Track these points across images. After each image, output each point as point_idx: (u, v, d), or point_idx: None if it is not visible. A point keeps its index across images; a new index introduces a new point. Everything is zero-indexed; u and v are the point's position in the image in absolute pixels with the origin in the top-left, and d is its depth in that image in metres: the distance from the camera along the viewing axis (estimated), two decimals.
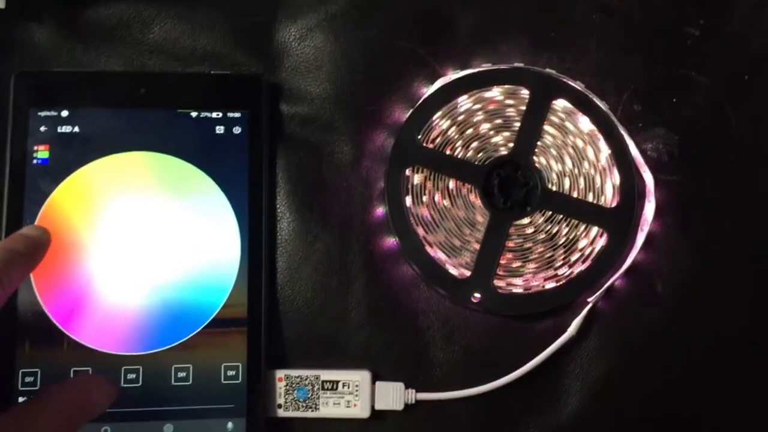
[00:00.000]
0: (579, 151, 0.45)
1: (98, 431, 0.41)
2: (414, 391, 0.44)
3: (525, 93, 0.46)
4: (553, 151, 0.45)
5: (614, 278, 0.45)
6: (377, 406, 0.44)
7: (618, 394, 0.45)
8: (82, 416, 0.33)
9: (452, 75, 0.46)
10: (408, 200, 0.45)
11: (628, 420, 0.45)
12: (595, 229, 0.45)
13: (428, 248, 0.44)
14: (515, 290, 0.44)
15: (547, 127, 0.45)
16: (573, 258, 0.45)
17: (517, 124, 0.45)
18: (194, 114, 0.44)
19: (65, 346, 0.41)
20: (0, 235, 0.42)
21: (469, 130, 0.46)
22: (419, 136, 0.45)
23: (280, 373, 0.44)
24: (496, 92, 0.46)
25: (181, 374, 0.42)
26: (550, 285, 0.44)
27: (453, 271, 0.44)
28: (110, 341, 0.42)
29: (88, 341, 0.42)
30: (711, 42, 0.48)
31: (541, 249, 0.45)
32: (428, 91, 0.46)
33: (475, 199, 0.45)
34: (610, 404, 0.45)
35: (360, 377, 0.44)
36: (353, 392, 0.44)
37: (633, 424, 0.45)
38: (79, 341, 0.42)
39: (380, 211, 0.46)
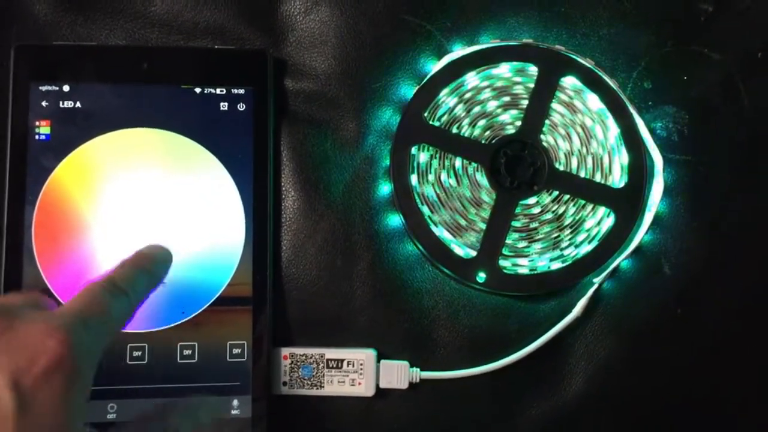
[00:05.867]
0: (587, 129, 0.45)
1: (104, 408, 0.41)
2: (418, 370, 0.44)
3: (533, 70, 0.45)
4: (561, 130, 0.45)
5: (621, 259, 0.44)
6: (381, 385, 0.44)
7: (622, 374, 0.45)
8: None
9: (460, 51, 0.45)
10: (413, 179, 0.44)
11: (632, 400, 0.45)
12: (602, 210, 0.44)
13: (433, 227, 0.44)
14: (521, 270, 0.44)
15: (555, 105, 0.45)
16: (579, 238, 0.44)
17: (525, 102, 0.45)
18: (198, 90, 0.44)
19: None
20: (2, 212, 0.42)
21: (477, 108, 0.45)
22: (425, 114, 0.45)
23: (285, 351, 0.44)
24: (504, 69, 0.45)
25: (187, 352, 0.42)
26: (555, 265, 0.44)
27: (458, 250, 0.44)
28: None
29: None
30: (724, 18, 0.47)
31: (548, 229, 0.44)
32: (435, 67, 0.45)
33: (481, 178, 0.45)
34: (614, 385, 0.45)
35: (365, 356, 0.44)
36: (358, 370, 0.44)
37: (637, 405, 0.45)
38: None
39: (385, 189, 0.45)
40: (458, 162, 0.45)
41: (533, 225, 0.44)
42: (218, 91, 0.44)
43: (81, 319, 0.31)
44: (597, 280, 0.45)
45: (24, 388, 0.27)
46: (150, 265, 0.37)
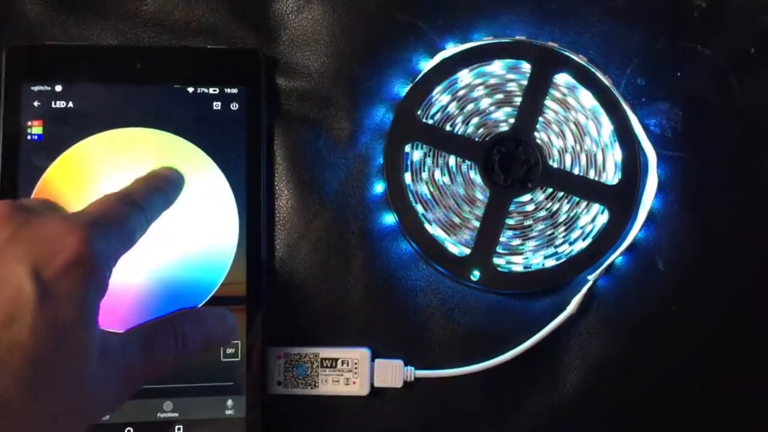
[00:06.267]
0: (581, 126, 0.45)
1: None
2: (413, 368, 0.44)
3: (526, 67, 0.45)
4: (555, 127, 0.45)
5: (615, 256, 0.44)
6: (376, 384, 0.44)
7: (617, 371, 0.45)
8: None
9: (452, 49, 0.45)
10: (407, 177, 0.44)
11: (627, 397, 0.45)
12: (596, 207, 0.44)
13: (427, 226, 0.44)
14: (515, 268, 0.44)
15: (548, 102, 0.45)
16: (573, 236, 0.44)
17: (518, 100, 0.45)
18: (191, 90, 0.44)
19: None
20: None
21: (470, 106, 0.45)
22: (419, 112, 0.45)
23: (279, 351, 0.44)
24: (497, 66, 0.45)
25: None
26: (550, 263, 0.44)
27: (452, 248, 0.44)
28: (109, 319, 0.41)
29: None
30: (717, 14, 0.46)
31: (542, 226, 0.44)
32: (428, 65, 0.45)
33: (475, 176, 0.44)
34: (609, 381, 0.45)
35: (359, 355, 0.44)
36: (352, 370, 0.44)
37: (632, 402, 0.45)
38: None
39: (379, 188, 0.45)
40: (452, 160, 0.45)
41: (527, 223, 0.44)
42: (211, 90, 0.44)
43: (99, 223, 0.31)
44: (591, 278, 0.44)
45: (44, 279, 0.28)
46: (165, 186, 0.37)
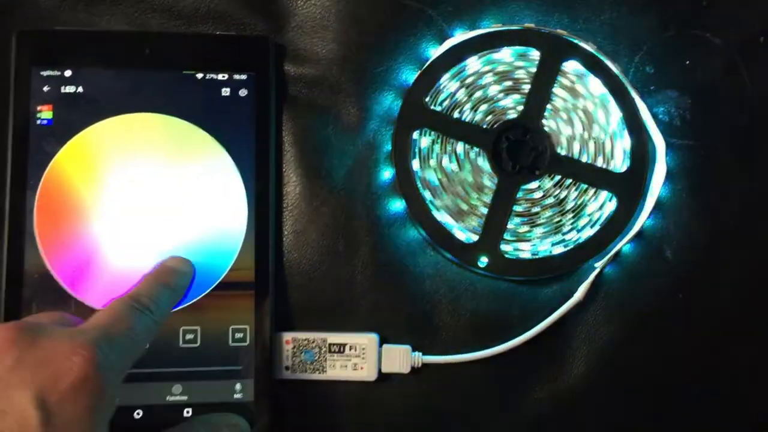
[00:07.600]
0: (589, 114, 0.45)
1: None
2: (420, 354, 0.44)
3: (535, 54, 0.45)
4: (563, 115, 0.45)
5: (622, 243, 0.44)
6: (384, 369, 0.44)
7: (624, 359, 0.45)
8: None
9: (461, 36, 0.45)
10: (415, 164, 0.44)
11: (633, 385, 0.45)
12: (604, 194, 0.44)
13: (435, 212, 0.44)
14: (522, 255, 0.44)
15: (557, 90, 0.45)
16: (581, 223, 0.44)
17: (527, 87, 0.45)
18: (200, 76, 0.44)
19: (72, 309, 0.41)
20: (4, 197, 0.42)
21: (478, 93, 0.45)
22: (427, 99, 0.45)
23: (288, 336, 0.44)
24: (505, 53, 0.45)
25: (189, 336, 0.42)
26: (557, 250, 0.44)
27: (460, 235, 0.44)
28: None
29: (96, 303, 0.42)
30: (726, 2, 0.46)
31: (549, 213, 0.44)
32: (436, 52, 0.45)
33: (483, 162, 0.44)
34: (616, 369, 0.45)
35: (367, 340, 0.44)
36: (360, 355, 0.44)
37: (639, 389, 0.45)
38: (86, 303, 0.42)
39: (387, 174, 0.45)
40: (460, 147, 0.45)
41: (535, 210, 0.44)
42: (220, 76, 0.44)
43: (106, 336, 0.31)
44: (599, 265, 0.45)
45: (49, 405, 0.28)
46: (172, 280, 0.37)
